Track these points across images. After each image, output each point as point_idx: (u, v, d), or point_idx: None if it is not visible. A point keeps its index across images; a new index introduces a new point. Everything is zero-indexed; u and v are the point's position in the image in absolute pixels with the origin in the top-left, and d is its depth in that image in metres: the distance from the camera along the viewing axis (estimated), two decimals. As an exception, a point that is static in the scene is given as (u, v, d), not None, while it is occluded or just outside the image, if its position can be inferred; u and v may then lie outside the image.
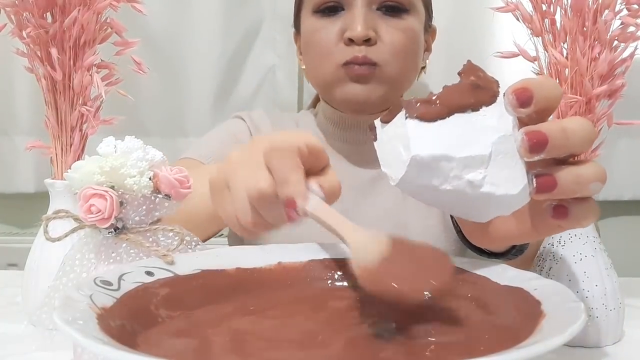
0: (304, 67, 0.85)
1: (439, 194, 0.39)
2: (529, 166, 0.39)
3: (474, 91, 0.39)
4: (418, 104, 0.39)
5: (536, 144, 0.37)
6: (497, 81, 0.40)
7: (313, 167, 0.46)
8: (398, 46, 0.77)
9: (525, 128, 0.38)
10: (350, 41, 0.75)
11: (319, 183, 0.44)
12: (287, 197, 0.42)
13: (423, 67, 0.86)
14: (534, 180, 0.38)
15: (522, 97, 0.38)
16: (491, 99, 0.40)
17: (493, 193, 0.38)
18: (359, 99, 0.77)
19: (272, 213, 0.43)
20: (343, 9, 0.78)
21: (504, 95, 0.39)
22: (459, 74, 0.41)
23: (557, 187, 0.38)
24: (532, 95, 0.38)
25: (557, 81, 0.58)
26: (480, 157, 0.38)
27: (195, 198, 0.49)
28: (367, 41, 0.75)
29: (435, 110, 0.38)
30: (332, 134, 0.86)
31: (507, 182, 0.38)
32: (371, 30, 0.75)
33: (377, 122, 0.42)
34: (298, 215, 0.42)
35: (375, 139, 0.42)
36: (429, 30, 0.86)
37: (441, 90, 0.40)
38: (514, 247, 0.53)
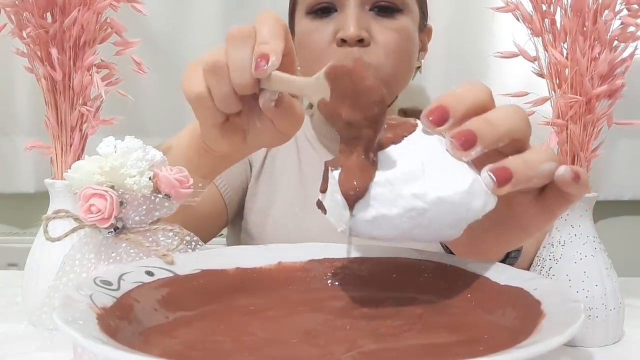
0: (299, 68, 0.85)
1: (396, 222, 0.38)
2: (479, 165, 0.39)
3: (391, 129, 0.40)
4: (337, 157, 0.39)
5: (466, 140, 0.38)
6: (413, 118, 0.42)
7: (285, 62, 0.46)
8: (392, 47, 0.76)
9: (451, 133, 0.39)
10: (343, 42, 0.75)
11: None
12: (262, 51, 0.42)
13: (418, 67, 0.86)
14: (492, 175, 0.38)
15: (437, 117, 0.39)
16: (411, 129, 0.41)
17: (442, 196, 0.38)
18: None
19: (241, 53, 0.43)
20: (336, 10, 0.77)
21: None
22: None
23: (512, 174, 0.38)
24: (447, 112, 0.39)
25: (557, 81, 0.58)
26: (412, 170, 0.38)
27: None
28: (360, 42, 0.75)
29: (355, 157, 0.38)
30: (326, 135, 0.86)
31: (452, 183, 0.38)
32: (364, 30, 0.75)
33: (320, 196, 0.42)
34: (265, 69, 0.42)
35: (325, 212, 0.42)
36: (424, 29, 0.85)
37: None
38: (507, 256, 0.53)
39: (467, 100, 0.39)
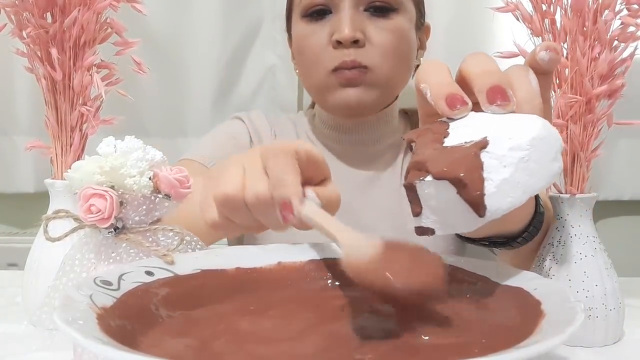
0: (297, 71, 0.85)
1: (515, 180, 0.38)
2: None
3: (433, 126, 0.42)
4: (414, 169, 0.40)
5: (500, 93, 0.41)
6: (437, 120, 0.44)
7: (313, 178, 0.46)
8: (388, 47, 0.76)
9: (483, 101, 0.41)
10: (339, 44, 0.75)
11: (317, 192, 0.45)
12: (282, 198, 0.42)
13: (418, 66, 0.86)
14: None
15: (451, 102, 0.42)
16: (444, 126, 0.42)
17: (533, 136, 0.39)
18: (351, 104, 0.77)
19: (269, 217, 0.43)
20: (331, 12, 0.77)
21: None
22: (407, 142, 0.44)
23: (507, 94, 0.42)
24: (456, 95, 0.42)
25: (557, 81, 0.58)
26: (491, 136, 0.39)
27: (196, 207, 0.49)
28: (356, 43, 0.75)
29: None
30: (328, 136, 0.86)
31: (526, 126, 0.40)
32: (359, 32, 0.75)
33: (416, 221, 0.41)
34: (293, 217, 0.42)
35: (434, 232, 0.41)
36: (422, 28, 0.85)
37: (414, 149, 0.42)
38: (521, 234, 0.53)
39: (445, 75, 0.44)
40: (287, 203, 0.42)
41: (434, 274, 0.38)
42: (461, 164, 0.38)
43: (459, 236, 0.54)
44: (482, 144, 0.38)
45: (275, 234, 0.83)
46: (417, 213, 0.40)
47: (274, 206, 0.43)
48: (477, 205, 0.37)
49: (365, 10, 0.77)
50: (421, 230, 0.41)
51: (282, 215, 0.42)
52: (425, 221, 0.41)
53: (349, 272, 0.40)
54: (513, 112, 0.41)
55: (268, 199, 0.43)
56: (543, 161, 0.39)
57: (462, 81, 0.43)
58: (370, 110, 0.80)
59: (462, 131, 0.41)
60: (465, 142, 0.39)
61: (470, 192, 0.37)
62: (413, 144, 0.42)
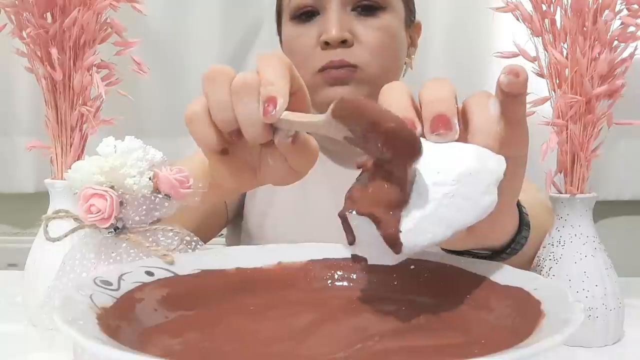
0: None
1: (437, 217, 0.38)
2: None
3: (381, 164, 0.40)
4: (350, 200, 0.39)
5: (442, 123, 0.40)
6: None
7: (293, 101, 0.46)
8: (376, 45, 0.76)
9: (426, 126, 0.40)
10: (327, 44, 0.75)
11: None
12: (269, 94, 0.41)
13: (409, 64, 0.86)
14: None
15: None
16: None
17: (460, 172, 0.38)
18: None
19: (247, 107, 0.42)
20: (319, 13, 0.77)
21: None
22: (359, 167, 0.41)
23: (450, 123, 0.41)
24: (410, 118, 0.41)
25: (557, 81, 0.58)
26: (419, 169, 0.38)
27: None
28: (344, 43, 0.75)
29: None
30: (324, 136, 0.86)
31: (458, 160, 0.39)
32: (346, 32, 0.75)
33: (352, 250, 0.41)
34: (275, 112, 0.41)
35: (366, 261, 0.41)
36: (412, 25, 0.85)
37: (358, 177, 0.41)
38: (508, 246, 0.53)
39: (405, 99, 0.43)
40: (272, 98, 0.41)
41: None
42: (373, 200, 0.37)
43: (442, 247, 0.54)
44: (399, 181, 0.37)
45: (275, 234, 0.83)
46: (350, 242, 0.41)
47: (256, 97, 0.42)
48: (392, 242, 0.37)
49: (353, 10, 0.77)
50: (355, 259, 0.41)
51: (264, 108, 0.41)
52: (358, 250, 0.41)
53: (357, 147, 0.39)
54: (456, 140, 0.40)
55: (253, 87, 0.42)
56: (472, 196, 0.39)
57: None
58: None
59: None
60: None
61: (385, 229, 0.37)
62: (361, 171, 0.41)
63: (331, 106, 0.38)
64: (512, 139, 0.43)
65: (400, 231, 0.37)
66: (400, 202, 0.37)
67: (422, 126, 0.41)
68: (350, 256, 0.42)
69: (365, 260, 0.41)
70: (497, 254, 0.52)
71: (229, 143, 0.45)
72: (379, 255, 0.39)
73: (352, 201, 0.39)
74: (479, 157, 0.39)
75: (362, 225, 0.38)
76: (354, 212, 0.38)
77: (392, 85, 0.44)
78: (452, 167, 0.38)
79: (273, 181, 0.49)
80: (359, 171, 0.40)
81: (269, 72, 0.43)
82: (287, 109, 0.42)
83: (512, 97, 0.42)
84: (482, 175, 0.39)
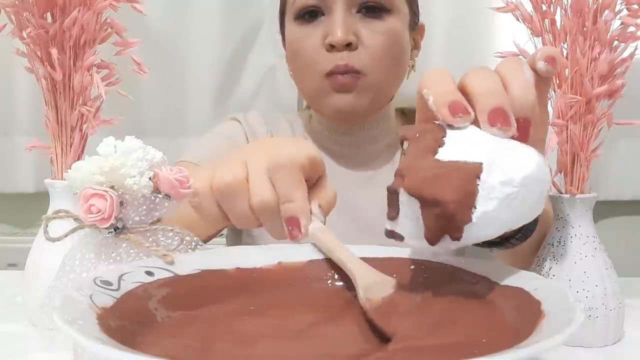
0: (291, 73, 0.84)
1: (496, 215, 0.38)
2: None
3: (423, 136, 0.41)
4: (406, 176, 0.39)
5: (504, 118, 0.40)
6: (432, 122, 0.43)
7: (311, 178, 0.47)
8: (380, 50, 0.76)
9: (487, 122, 0.40)
10: (332, 47, 0.75)
11: (318, 202, 0.45)
12: (290, 215, 0.42)
13: (412, 66, 0.86)
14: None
15: (463, 110, 0.41)
16: (441, 131, 0.41)
17: (526, 175, 0.38)
18: (345, 109, 0.77)
19: (275, 227, 0.44)
20: (323, 14, 0.77)
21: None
22: (400, 139, 0.42)
23: (529, 120, 0.41)
24: (462, 103, 0.41)
25: (557, 81, 0.58)
26: (487, 162, 0.38)
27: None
28: (348, 46, 0.75)
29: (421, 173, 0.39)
30: (325, 137, 0.86)
31: (524, 161, 0.39)
32: (351, 34, 0.75)
33: (389, 224, 0.41)
34: (300, 234, 0.43)
35: (402, 239, 0.41)
36: (416, 28, 0.85)
37: (405, 149, 0.41)
38: (517, 232, 0.53)
39: (450, 84, 0.43)
40: (294, 219, 0.42)
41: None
42: (454, 190, 0.37)
43: None
44: (477, 171, 0.37)
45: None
46: (392, 217, 0.40)
47: (279, 216, 0.43)
48: (456, 231, 0.37)
49: (358, 11, 0.76)
50: (391, 234, 0.41)
51: (289, 230, 0.43)
52: (399, 228, 0.40)
53: (366, 309, 0.40)
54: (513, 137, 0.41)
55: (274, 208, 0.43)
56: (528, 201, 0.39)
57: (464, 95, 0.43)
58: (363, 115, 0.80)
59: (458, 145, 0.40)
60: (460, 161, 0.39)
61: (456, 221, 0.37)
62: (406, 143, 0.42)
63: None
64: (536, 120, 0.43)
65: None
66: (473, 193, 0.37)
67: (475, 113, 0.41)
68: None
69: (401, 238, 0.40)
70: (507, 240, 0.53)
71: None
72: (420, 236, 0.39)
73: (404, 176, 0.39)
74: (539, 163, 0.39)
75: (410, 204, 0.38)
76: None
77: (435, 70, 0.45)
78: (518, 169, 0.38)
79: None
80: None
81: (284, 186, 0.43)
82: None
83: (544, 79, 0.43)
84: (540, 182, 0.39)
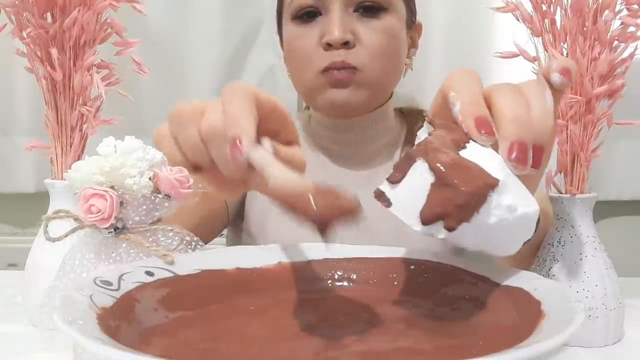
0: (288, 73, 0.84)
1: (488, 230, 0.38)
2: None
3: (451, 131, 0.40)
4: (431, 151, 0.38)
5: (523, 155, 0.39)
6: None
7: (279, 135, 0.45)
8: (377, 48, 0.76)
9: (505, 156, 0.39)
10: (329, 46, 0.75)
11: (277, 149, 0.44)
12: (234, 136, 0.41)
13: (409, 65, 0.86)
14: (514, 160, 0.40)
15: (488, 129, 0.40)
16: (467, 138, 0.40)
17: (527, 212, 0.39)
18: (340, 104, 0.77)
19: (220, 153, 0.42)
20: (321, 14, 0.77)
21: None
22: (428, 122, 0.42)
23: (543, 148, 0.41)
24: (488, 122, 0.40)
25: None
26: (502, 182, 0.38)
27: None
28: (346, 44, 0.75)
29: (446, 155, 0.38)
30: (324, 137, 0.86)
31: (528, 199, 0.39)
32: (349, 33, 0.75)
33: (385, 186, 0.40)
34: (241, 156, 0.40)
35: (389, 205, 0.40)
36: (413, 26, 0.85)
37: (433, 132, 0.40)
38: None
39: (480, 97, 0.42)
40: (237, 141, 0.41)
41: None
42: (473, 184, 0.37)
43: None
44: (494, 184, 0.38)
45: (275, 233, 0.83)
46: (394, 181, 0.39)
47: (226, 140, 0.42)
48: (453, 222, 0.37)
49: (355, 10, 0.77)
50: (379, 196, 0.40)
51: (231, 152, 0.41)
52: (392, 193, 0.40)
53: (273, 189, 0.38)
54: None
55: (221, 132, 0.42)
56: (514, 235, 0.39)
57: (488, 108, 0.42)
58: (360, 111, 0.80)
59: (478, 155, 0.40)
60: (481, 167, 0.39)
61: (459, 213, 0.37)
62: (431, 125, 0.41)
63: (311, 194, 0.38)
64: (550, 148, 0.43)
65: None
66: (485, 197, 0.37)
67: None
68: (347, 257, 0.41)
69: (388, 204, 0.40)
70: None
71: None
72: (409, 210, 0.39)
73: (428, 152, 0.38)
74: (537, 212, 0.40)
75: (423, 176, 0.38)
76: (441, 167, 0.37)
77: (464, 72, 0.44)
78: (523, 204, 0.39)
79: (262, 192, 0.48)
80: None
81: (232, 110, 0.42)
82: (266, 134, 0.42)
83: (558, 91, 0.43)
84: (531, 226, 0.40)
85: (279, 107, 0.46)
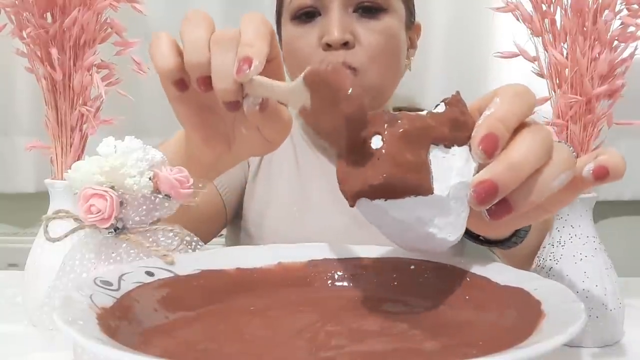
0: (287, 73, 0.85)
1: (385, 217, 0.38)
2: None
3: (454, 127, 0.39)
4: (400, 124, 0.37)
5: (486, 197, 0.36)
6: (474, 122, 0.39)
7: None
8: (377, 48, 0.76)
9: (473, 182, 0.37)
10: (328, 46, 0.75)
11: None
12: (245, 55, 0.41)
13: (408, 65, 0.86)
14: (487, 214, 0.38)
15: (490, 149, 0.37)
16: (465, 140, 0.39)
17: (434, 234, 0.39)
18: None
19: (223, 57, 0.42)
20: (320, 14, 0.77)
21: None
22: (445, 103, 0.40)
23: (512, 209, 0.37)
24: (498, 144, 0.37)
25: (557, 81, 0.58)
26: (437, 197, 0.37)
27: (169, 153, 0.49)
28: (345, 45, 0.75)
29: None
30: (319, 136, 0.86)
31: (449, 228, 0.39)
32: (348, 33, 0.75)
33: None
34: (248, 71, 0.40)
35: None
36: (412, 27, 0.85)
37: (423, 114, 0.39)
38: (514, 233, 0.53)
39: (513, 122, 0.38)
40: (249, 58, 0.41)
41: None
42: (398, 176, 0.36)
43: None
44: (420, 190, 0.37)
45: (274, 233, 0.83)
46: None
47: (234, 51, 0.42)
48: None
49: (354, 11, 0.77)
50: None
51: (239, 66, 0.41)
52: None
53: (305, 121, 0.39)
54: None
55: (232, 43, 0.42)
56: (407, 237, 0.40)
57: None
58: None
59: (451, 163, 0.38)
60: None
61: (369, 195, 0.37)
62: (443, 105, 0.40)
63: (303, 73, 0.37)
64: (560, 202, 0.41)
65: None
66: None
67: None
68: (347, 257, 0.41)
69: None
70: (501, 243, 0.54)
71: (186, 74, 0.44)
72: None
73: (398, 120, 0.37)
74: (454, 241, 0.41)
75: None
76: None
77: (525, 92, 0.39)
78: (442, 227, 0.39)
79: (248, 152, 0.48)
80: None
81: (250, 32, 0.42)
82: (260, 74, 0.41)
83: (580, 182, 0.39)
84: (437, 244, 0.40)
85: (280, 59, 0.46)
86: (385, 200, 0.37)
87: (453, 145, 0.39)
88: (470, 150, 0.39)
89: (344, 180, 0.38)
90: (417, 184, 0.37)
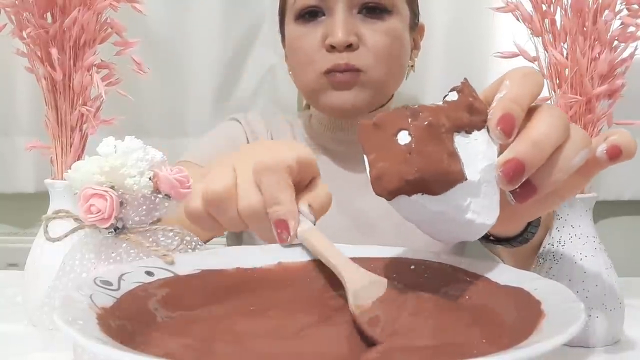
0: (290, 73, 0.85)
1: (424, 212, 0.38)
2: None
3: (470, 112, 0.39)
4: (423, 117, 0.37)
5: (514, 175, 0.37)
6: (486, 107, 0.40)
7: (303, 180, 0.46)
8: (381, 49, 0.76)
9: (499, 163, 0.38)
10: (332, 47, 0.75)
11: (309, 202, 0.45)
12: (277, 218, 0.42)
13: (412, 66, 0.86)
14: (512, 196, 0.39)
15: (508, 129, 0.37)
16: (482, 124, 0.39)
17: (473, 220, 0.39)
18: (343, 106, 0.77)
19: (263, 230, 0.44)
20: (324, 15, 0.77)
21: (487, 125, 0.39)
22: (457, 91, 0.40)
23: (537, 190, 0.38)
24: (515, 123, 0.38)
25: (557, 81, 0.58)
26: (470, 183, 0.37)
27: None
28: (349, 47, 0.75)
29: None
30: (325, 136, 0.86)
31: (485, 211, 0.39)
32: (352, 35, 0.75)
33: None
34: (289, 237, 0.43)
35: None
36: (416, 28, 0.85)
37: (439, 104, 0.39)
38: (521, 234, 0.53)
39: (526, 101, 0.38)
40: (282, 222, 0.42)
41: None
42: (433, 169, 0.36)
43: None
44: (456, 179, 0.37)
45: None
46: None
47: (268, 220, 0.43)
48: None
49: (359, 12, 0.77)
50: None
51: (277, 233, 0.43)
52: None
53: (355, 316, 0.40)
54: None
55: (262, 213, 0.43)
56: (445, 230, 0.40)
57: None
58: (362, 111, 0.80)
59: (475, 148, 0.39)
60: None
61: (407, 191, 0.37)
62: (458, 94, 0.40)
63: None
64: (575, 187, 0.42)
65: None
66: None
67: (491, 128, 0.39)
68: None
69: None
70: (507, 242, 0.54)
71: None
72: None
73: (416, 114, 0.38)
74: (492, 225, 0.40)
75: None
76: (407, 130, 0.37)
77: (533, 73, 0.40)
78: (479, 211, 0.39)
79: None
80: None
81: (269, 189, 0.43)
82: (297, 185, 0.44)
83: (597, 162, 0.41)
84: (476, 230, 0.40)
85: (305, 157, 0.46)
86: (423, 195, 0.37)
87: (473, 131, 0.39)
88: (489, 132, 0.39)
89: (377, 180, 0.38)
90: (451, 172, 0.37)
